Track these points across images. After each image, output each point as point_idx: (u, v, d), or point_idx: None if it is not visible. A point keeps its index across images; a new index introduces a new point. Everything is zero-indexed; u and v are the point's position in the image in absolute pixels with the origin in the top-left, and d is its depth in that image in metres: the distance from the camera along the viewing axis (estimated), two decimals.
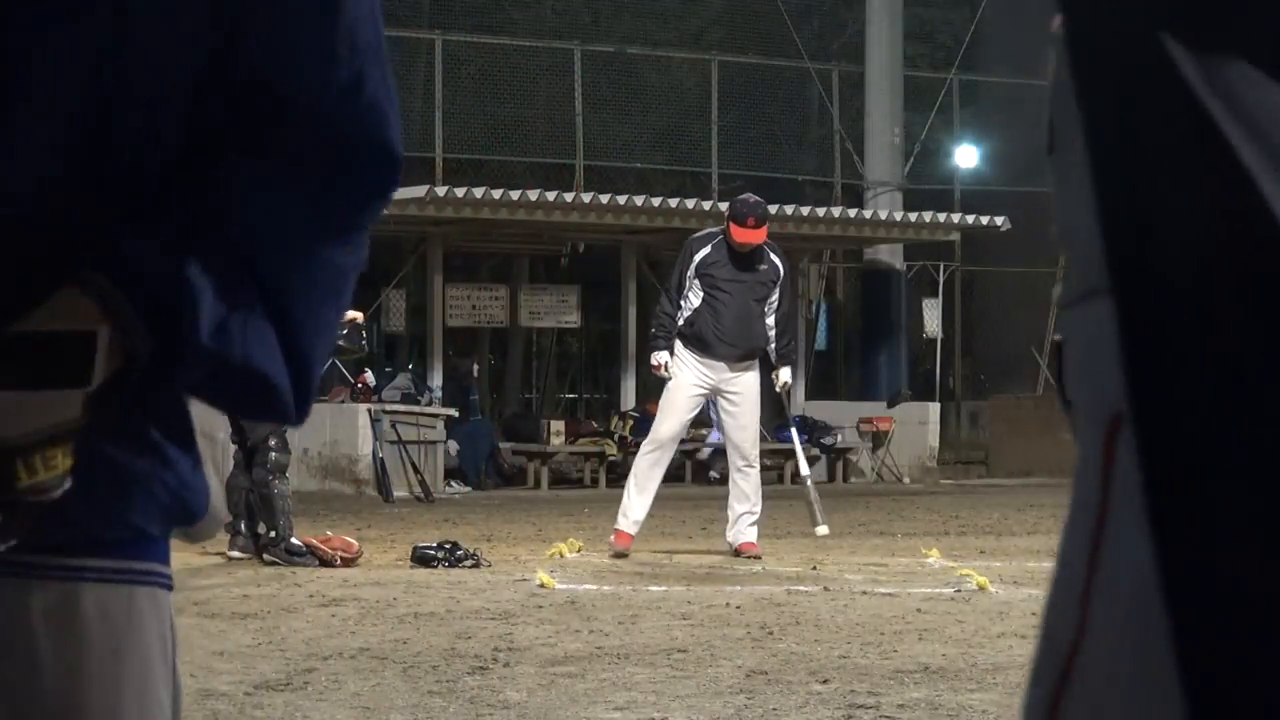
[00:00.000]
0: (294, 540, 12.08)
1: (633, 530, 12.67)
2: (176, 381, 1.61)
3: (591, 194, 22.26)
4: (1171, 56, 1.10)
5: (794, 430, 14.23)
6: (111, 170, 1.60)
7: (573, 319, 24.90)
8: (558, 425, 22.30)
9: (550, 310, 24.65)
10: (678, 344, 12.73)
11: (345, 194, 1.67)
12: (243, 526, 12.31)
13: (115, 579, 1.65)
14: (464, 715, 6.85)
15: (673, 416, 12.73)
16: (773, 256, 12.80)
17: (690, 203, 22.37)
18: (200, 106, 1.62)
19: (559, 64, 24.40)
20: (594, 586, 10.95)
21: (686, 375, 12.66)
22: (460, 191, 21.06)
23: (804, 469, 13.92)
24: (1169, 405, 1.19)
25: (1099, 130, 1.19)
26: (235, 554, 12.29)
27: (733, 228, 12.62)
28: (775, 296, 12.74)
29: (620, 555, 12.55)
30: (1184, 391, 1.19)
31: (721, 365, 12.61)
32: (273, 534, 12.09)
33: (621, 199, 21.93)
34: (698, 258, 12.71)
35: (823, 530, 13.44)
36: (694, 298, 12.68)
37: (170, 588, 1.71)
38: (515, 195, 21.43)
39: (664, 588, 10.91)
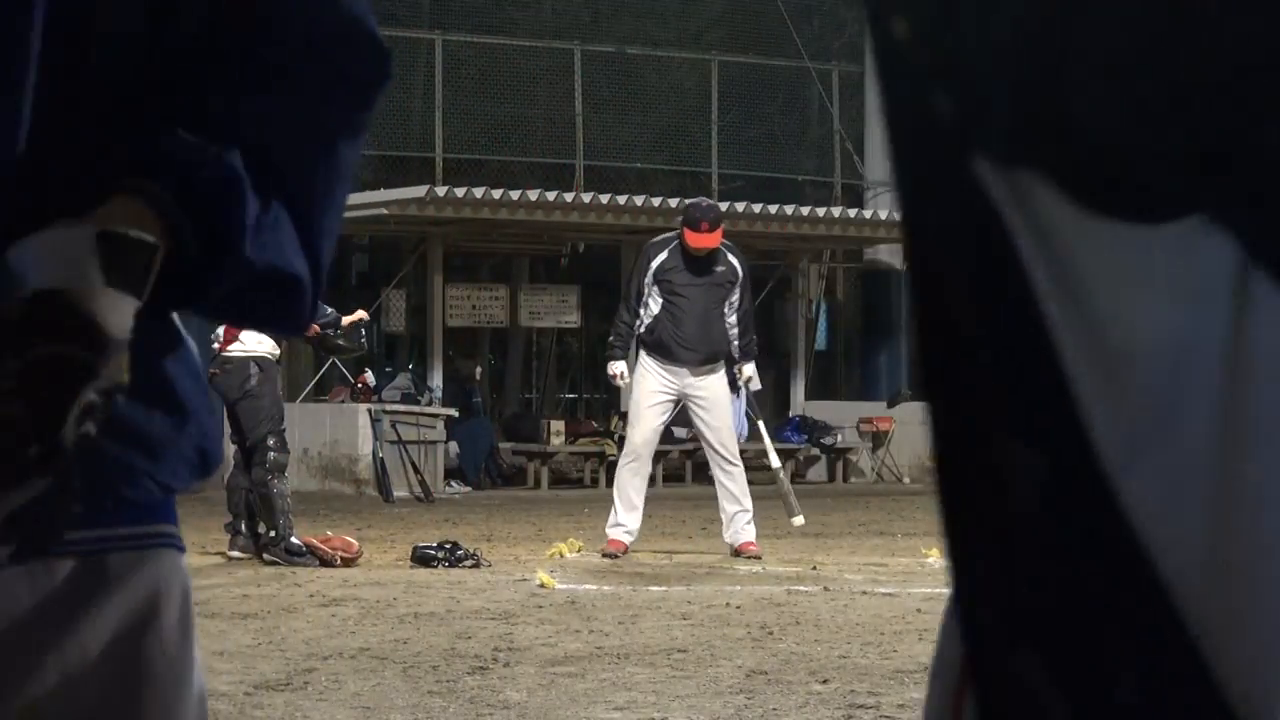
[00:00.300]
0: (294, 540, 12.09)
1: (627, 540, 12.70)
2: (210, 293, 1.61)
3: (591, 194, 22.26)
4: (978, 171, 1.20)
5: (760, 423, 14.29)
6: (94, 82, 1.60)
7: (573, 319, 24.90)
8: (558, 425, 22.30)
9: (550, 310, 24.65)
10: (641, 352, 12.81)
11: (340, 90, 1.68)
12: (243, 526, 12.32)
13: (138, 545, 1.65)
14: (464, 715, 6.85)
15: (642, 424, 12.81)
16: (730, 257, 12.84)
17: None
18: (175, 19, 1.62)
19: (559, 64, 24.40)
20: (594, 586, 10.95)
21: (651, 382, 12.72)
22: (460, 191, 21.06)
23: (774, 461, 13.94)
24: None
25: (914, 240, 1.30)
26: (235, 554, 12.29)
27: (687, 233, 12.68)
28: (736, 296, 12.79)
29: (612, 556, 12.56)
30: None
31: (684, 370, 12.68)
32: (272, 534, 12.09)
33: (621, 199, 21.94)
34: (654, 264, 12.77)
35: (799, 520, 13.43)
36: (653, 304, 12.73)
37: (183, 549, 1.72)
38: (515, 195, 21.43)
39: (664, 588, 10.91)
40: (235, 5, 1.64)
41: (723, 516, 12.78)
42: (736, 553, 12.60)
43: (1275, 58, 1.07)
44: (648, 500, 12.95)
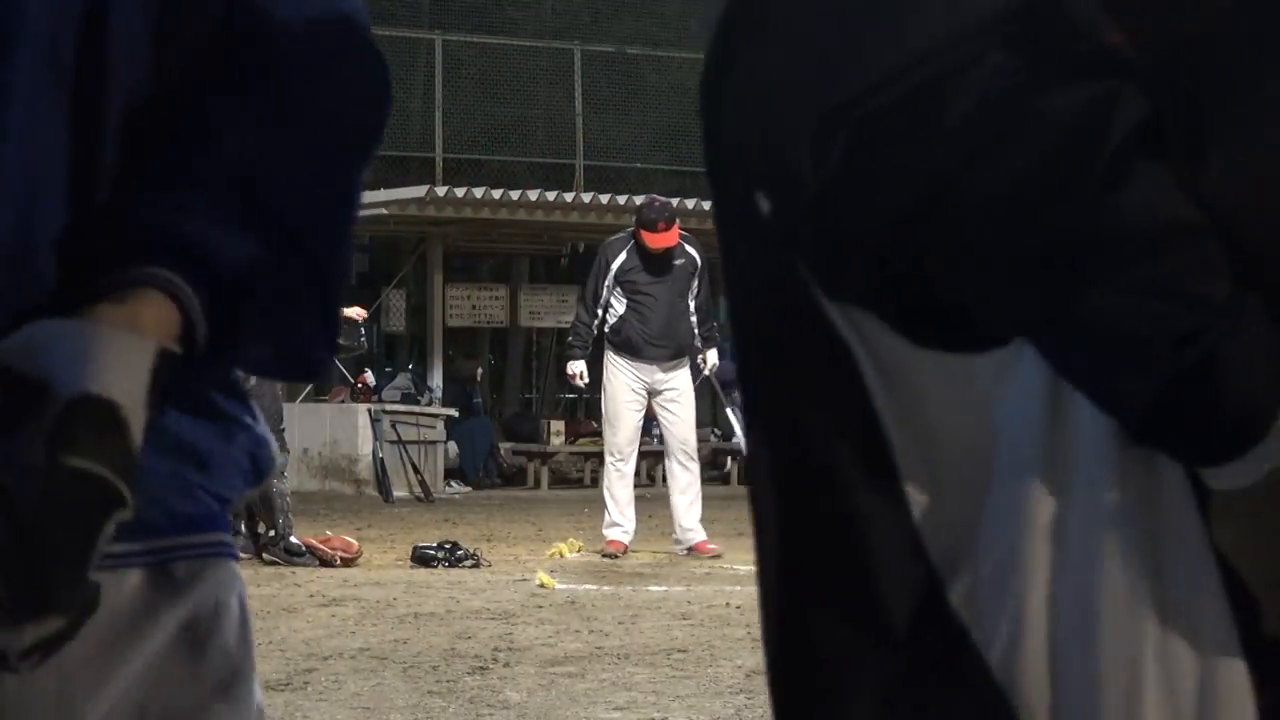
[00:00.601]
0: (293, 539, 12.09)
1: (625, 539, 12.73)
2: (196, 383, 1.57)
3: (591, 194, 22.26)
4: (819, 301, 1.44)
5: (730, 411, 14.33)
6: (105, 117, 1.53)
7: (572, 319, 24.89)
8: (558, 425, 22.29)
9: (550, 310, 24.65)
10: (609, 351, 12.85)
11: (346, 114, 1.61)
12: (242, 526, 12.32)
13: (197, 554, 1.62)
14: (464, 715, 6.85)
15: (623, 424, 12.87)
16: (688, 249, 12.89)
17: (690, 203, 22.37)
18: (173, 41, 1.56)
19: (559, 64, 24.40)
20: (594, 586, 10.95)
21: (622, 379, 12.77)
22: (460, 191, 21.06)
23: (745, 447, 14.00)
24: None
25: (749, 362, 1.55)
26: None
27: (645, 235, 12.71)
28: (695, 285, 12.84)
29: (612, 557, 12.57)
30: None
31: (653, 367, 12.74)
32: (272, 533, 12.10)
33: (621, 199, 21.94)
34: (615, 266, 12.81)
35: None
36: (618, 305, 12.79)
37: (238, 558, 1.70)
38: (515, 195, 21.43)
39: (664, 588, 10.92)
40: (233, 25, 1.57)
41: (675, 512, 12.76)
42: (689, 551, 12.63)
43: (1096, 242, 1.33)
44: (648, 500, 12.97)
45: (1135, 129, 1.34)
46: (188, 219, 1.50)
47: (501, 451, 22.31)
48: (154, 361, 1.42)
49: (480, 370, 24.21)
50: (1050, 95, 1.35)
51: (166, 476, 1.54)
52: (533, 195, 21.51)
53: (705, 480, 21.46)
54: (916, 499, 1.45)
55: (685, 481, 12.73)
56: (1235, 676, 1.40)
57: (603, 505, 13.01)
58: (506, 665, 7.93)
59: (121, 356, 1.41)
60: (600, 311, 12.85)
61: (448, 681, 7.53)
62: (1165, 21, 1.37)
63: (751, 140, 1.48)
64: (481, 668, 7.88)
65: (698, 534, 12.68)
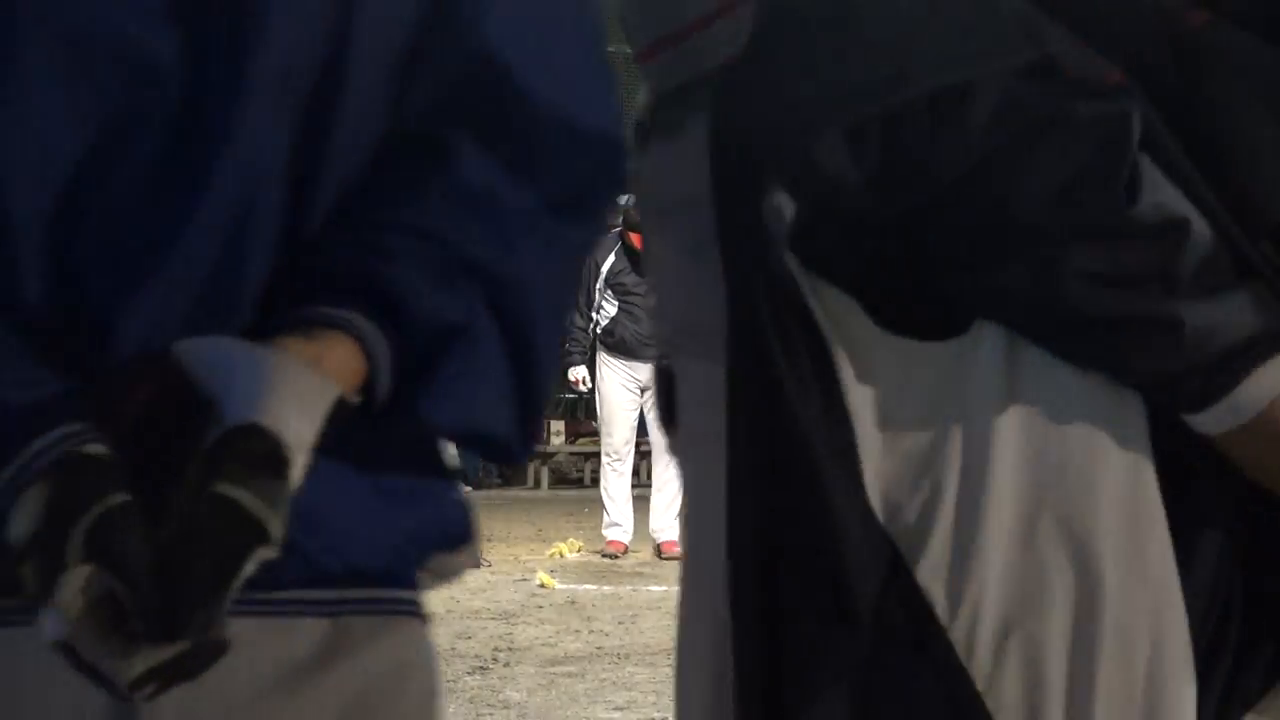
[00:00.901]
0: None
1: (624, 539, 12.73)
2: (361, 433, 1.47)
3: None
4: (790, 268, 1.55)
5: None
6: (329, 147, 1.44)
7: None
8: (558, 425, 22.29)
9: None
10: (602, 352, 12.85)
11: (572, 191, 1.53)
12: None
13: (377, 610, 1.53)
14: (464, 715, 6.85)
15: (618, 425, 12.88)
16: None
17: None
18: (413, 83, 1.47)
19: None
20: (594, 586, 10.95)
21: (615, 380, 12.78)
22: None
23: None
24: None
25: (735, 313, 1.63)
26: None
27: (634, 237, 12.69)
28: None
29: (612, 557, 12.58)
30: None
31: (648, 366, 12.71)
32: None
33: (622, 199, 21.96)
34: (605, 269, 12.80)
35: None
36: (609, 307, 12.79)
37: (425, 618, 1.60)
38: None
39: (664, 588, 10.91)
40: (478, 83, 1.49)
41: (652, 510, 12.71)
42: (659, 551, 12.59)
43: (1120, 233, 1.48)
44: (648, 500, 12.97)
45: (1142, 136, 1.49)
46: (391, 265, 1.42)
47: None
48: (330, 407, 1.35)
49: None
50: (1072, 101, 1.49)
51: (351, 526, 1.47)
52: None
53: None
54: (874, 478, 1.55)
55: (664, 480, 12.71)
56: (1182, 639, 1.52)
57: (602, 505, 13.02)
58: (506, 665, 7.94)
59: (298, 394, 1.34)
60: (593, 315, 12.86)
61: (448, 681, 7.53)
62: (1154, 61, 1.54)
63: (772, 144, 1.55)
64: (481, 668, 7.88)
65: (665, 533, 12.65)
